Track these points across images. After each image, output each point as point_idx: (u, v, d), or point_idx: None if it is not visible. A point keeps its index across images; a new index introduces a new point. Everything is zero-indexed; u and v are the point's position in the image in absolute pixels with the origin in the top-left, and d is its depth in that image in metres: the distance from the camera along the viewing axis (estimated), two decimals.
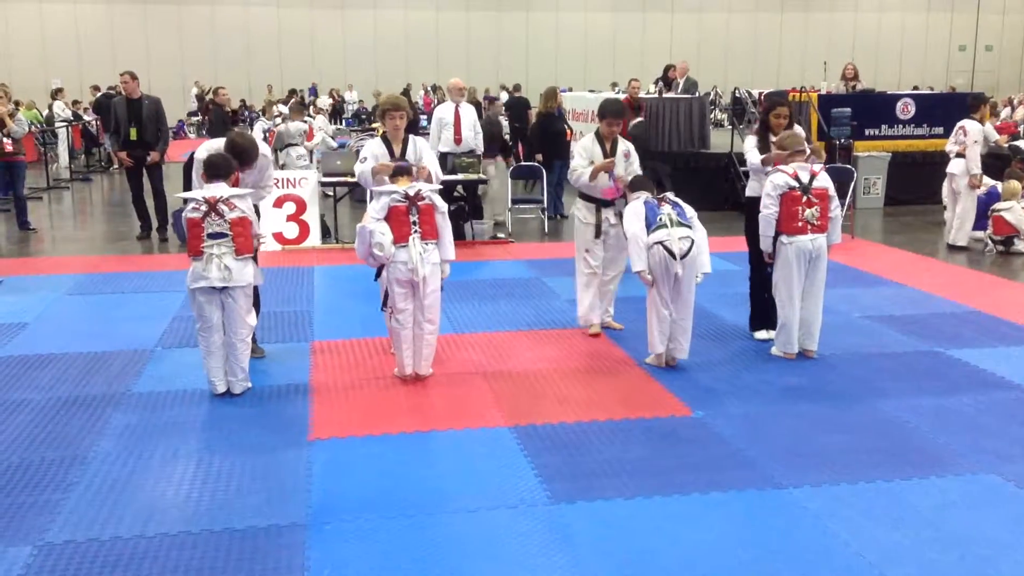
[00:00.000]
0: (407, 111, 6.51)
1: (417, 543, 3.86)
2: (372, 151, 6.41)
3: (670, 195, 6.20)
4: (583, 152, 6.80)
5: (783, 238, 6.18)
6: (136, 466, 4.63)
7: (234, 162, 5.63)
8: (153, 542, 3.87)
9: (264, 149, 6.17)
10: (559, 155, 12.26)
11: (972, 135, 10.42)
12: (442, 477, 4.51)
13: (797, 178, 6.16)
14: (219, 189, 5.48)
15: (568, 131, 13.00)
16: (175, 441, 4.95)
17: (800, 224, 6.10)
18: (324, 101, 20.78)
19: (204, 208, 5.40)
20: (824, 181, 6.22)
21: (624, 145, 6.89)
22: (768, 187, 6.21)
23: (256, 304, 6.37)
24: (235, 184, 5.64)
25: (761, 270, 6.71)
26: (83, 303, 8.04)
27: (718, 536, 3.94)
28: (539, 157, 12.32)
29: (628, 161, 6.83)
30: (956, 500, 4.27)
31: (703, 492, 4.34)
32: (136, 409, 5.43)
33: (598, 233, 6.81)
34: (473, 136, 11.18)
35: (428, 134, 11.10)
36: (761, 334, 6.89)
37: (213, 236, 5.41)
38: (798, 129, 6.63)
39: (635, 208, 6.13)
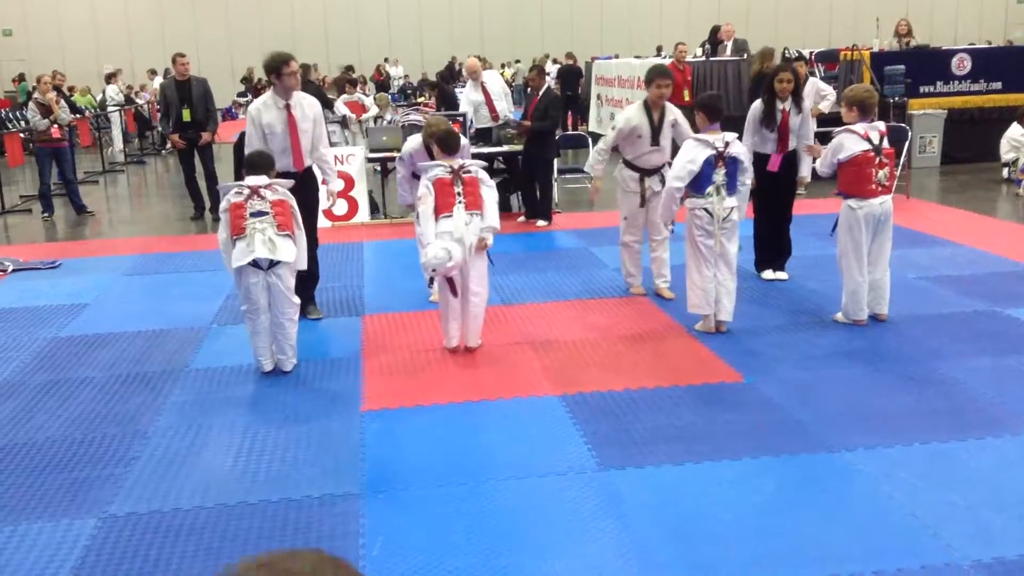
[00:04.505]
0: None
1: (469, 510, 3.91)
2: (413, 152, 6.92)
3: (734, 147, 5.94)
4: (624, 122, 6.77)
5: (852, 202, 5.97)
6: (195, 440, 4.74)
7: (271, 159, 5.76)
8: (213, 512, 3.98)
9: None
10: None
11: None
12: (492, 446, 4.55)
13: (868, 139, 5.95)
14: (260, 180, 5.56)
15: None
16: (232, 415, 5.07)
17: (873, 187, 5.92)
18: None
19: (246, 191, 5.47)
20: (887, 141, 6.05)
21: (672, 114, 6.81)
22: (835, 149, 5.99)
23: (315, 267, 6.60)
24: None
25: (766, 216, 7.22)
26: (140, 283, 8.22)
27: (770, 500, 3.93)
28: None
29: (676, 130, 6.78)
30: (1013, 460, 4.20)
31: (754, 457, 4.32)
32: (194, 385, 5.56)
33: (643, 202, 6.86)
34: (506, 106, 11.11)
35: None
36: (767, 274, 7.35)
37: (255, 215, 5.47)
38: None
39: (692, 160, 5.87)
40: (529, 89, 10.40)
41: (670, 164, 6.40)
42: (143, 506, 4.06)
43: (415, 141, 6.97)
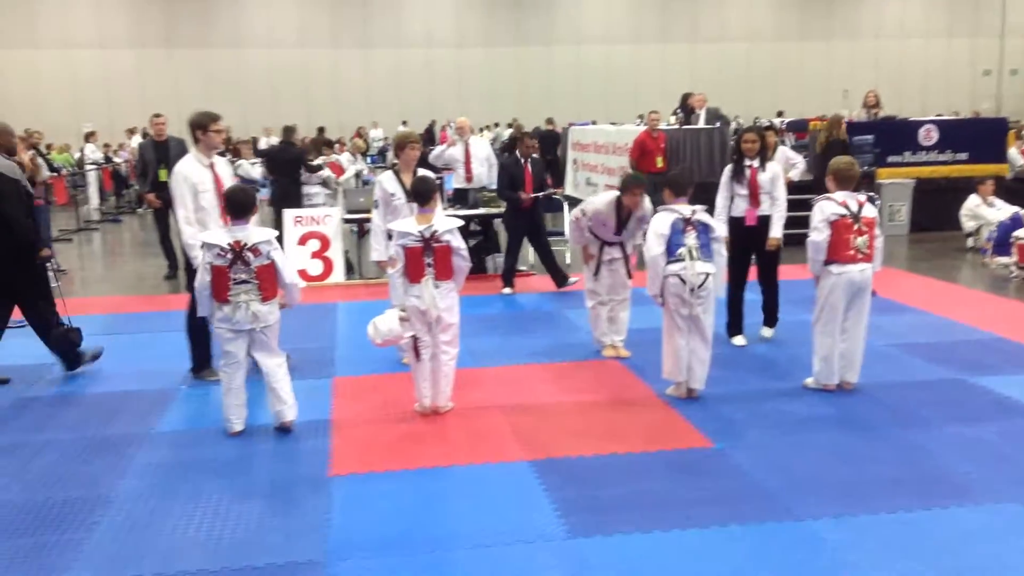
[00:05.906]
0: (419, 141, 7.23)
1: None
2: (384, 189, 7.02)
3: (700, 215, 6.06)
4: (593, 212, 7.01)
5: (832, 267, 6.04)
6: (158, 505, 4.67)
7: (255, 196, 5.68)
8: None
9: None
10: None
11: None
12: (460, 513, 4.52)
13: (846, 206, 6.07)
14: (243, 232, 5.46)
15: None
16: (197, 479, 5.00)
17: (851, 252, 6.01)
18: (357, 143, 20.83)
19: (230, 256, 5.43)
20: (871, 211, 6.14)
21: (642, 211, 6.97)
22: (817, 215, 6.08)
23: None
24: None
25: (738, 281, 7.44)
26: (111, 343, 8.11)
27: (735, 570, 3.91)
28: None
29: (642, 224, 6.89)
30: (978, 530, 4.22)
31: (722, 525, 4.31)
32: (159, 448, 5.49)
33: (597, 270, 7.17)
34: (487, 171, 11.23)
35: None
36: (738, 340, 7.50)
37: (239, 283, 5.44)
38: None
39: (661, 226, 5.98)
40: (520, 157, 9.75)
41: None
42: (103, 573, 3.98)
43: (383, 176, 7.13)
